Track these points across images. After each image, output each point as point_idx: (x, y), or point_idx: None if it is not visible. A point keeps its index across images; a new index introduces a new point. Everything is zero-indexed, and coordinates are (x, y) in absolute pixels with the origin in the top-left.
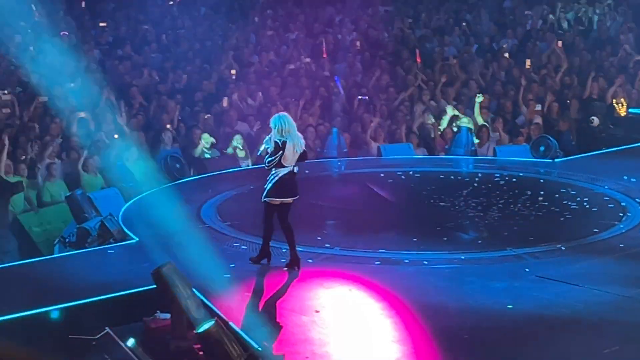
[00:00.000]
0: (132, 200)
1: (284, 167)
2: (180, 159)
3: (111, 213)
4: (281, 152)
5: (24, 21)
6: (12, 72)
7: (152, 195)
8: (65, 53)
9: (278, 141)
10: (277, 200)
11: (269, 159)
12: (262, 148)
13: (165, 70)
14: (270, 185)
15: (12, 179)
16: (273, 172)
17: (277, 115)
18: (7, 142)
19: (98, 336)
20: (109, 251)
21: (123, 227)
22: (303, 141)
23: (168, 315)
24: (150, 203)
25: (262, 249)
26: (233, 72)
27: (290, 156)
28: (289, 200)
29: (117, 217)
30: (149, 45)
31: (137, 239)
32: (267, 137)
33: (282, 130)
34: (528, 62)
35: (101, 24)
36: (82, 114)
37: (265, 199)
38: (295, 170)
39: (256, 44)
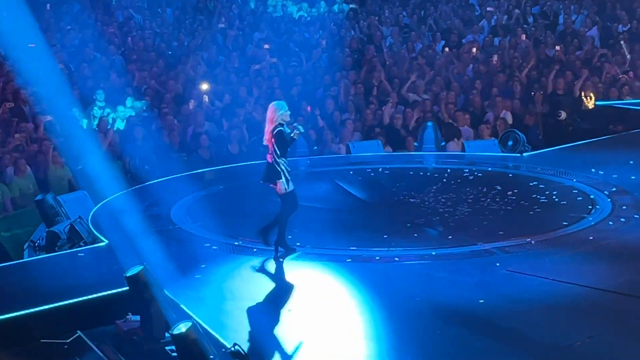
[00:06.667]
0: (101, 203)
1: None
2: (150, 161)
3: (80, 216)
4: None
5: None
6: None
7: (121, 198)
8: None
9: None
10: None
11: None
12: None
13: (132, 71)
14: (288, 174)
15: None
16: (283, 160)
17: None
18: None
19: (70, 340)
20: (78, 254)
21: (93, 229)
22: None
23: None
24: (119, 205)
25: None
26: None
27: None
28: None
29: (87, 220)
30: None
31: (107, 242)
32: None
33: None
34: (495, 57)
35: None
36: (49, 118)
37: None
38: None
39: (222, 44)
